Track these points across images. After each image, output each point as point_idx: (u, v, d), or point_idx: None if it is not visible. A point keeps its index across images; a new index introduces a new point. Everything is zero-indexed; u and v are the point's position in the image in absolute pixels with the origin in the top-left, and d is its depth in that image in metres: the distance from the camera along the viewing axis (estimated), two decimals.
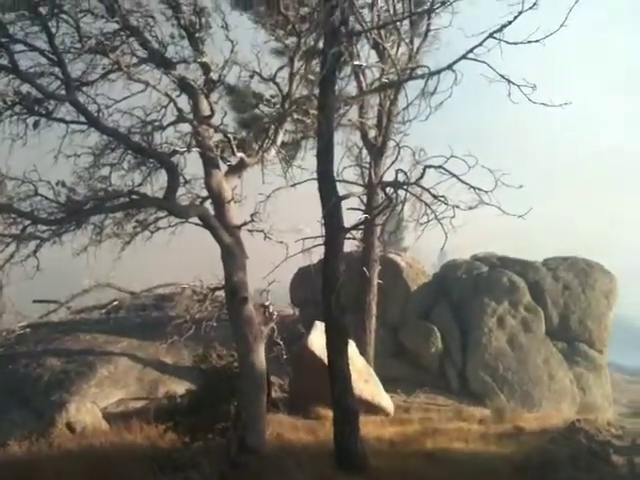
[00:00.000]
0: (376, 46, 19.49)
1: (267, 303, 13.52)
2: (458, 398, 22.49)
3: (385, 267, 24.15)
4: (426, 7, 19.40)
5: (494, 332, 24.45)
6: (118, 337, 19.99)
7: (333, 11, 10.67)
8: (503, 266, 27.02)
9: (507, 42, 11.06)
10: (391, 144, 21.08)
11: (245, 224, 12.91)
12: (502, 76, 11.18)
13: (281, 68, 13.52)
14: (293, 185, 13.80)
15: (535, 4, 10.70)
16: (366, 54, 20.00)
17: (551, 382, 23.77)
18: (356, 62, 12.85)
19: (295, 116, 14.11)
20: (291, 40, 13.81)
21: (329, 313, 10.48)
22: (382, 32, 19.06)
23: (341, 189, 18.46)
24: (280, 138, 13.72)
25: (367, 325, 22.23)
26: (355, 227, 11.30)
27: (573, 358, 25.07)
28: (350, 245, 22.41)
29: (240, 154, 12.86)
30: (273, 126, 13.59)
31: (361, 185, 22.02)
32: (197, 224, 12.48)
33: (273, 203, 14.51)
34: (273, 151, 13.63)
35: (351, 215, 13.72)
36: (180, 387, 15.98)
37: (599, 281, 26.60)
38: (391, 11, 18.02)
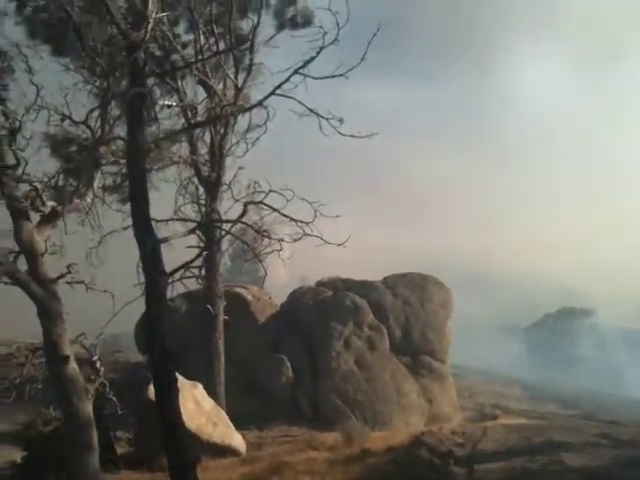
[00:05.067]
0: (202, 82, 19.48)
1: (95, 358, 12.70)
2: (312, 425, 22.60)
3: (231, 302, 23.82)
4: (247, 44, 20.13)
5: (342, 355, 24.97)
6: None
7: (136, 51, 10.39)
8: (346, 289, 27.81)
9: (312, 77, 11.50)
10: (226, 179, 21.00)
11: (62, 276, 12.10)
12: (311, 110, 11.55)
13: (92, 110, 13.03)
14: (114, 232, 13.22)
15: (336, 39, 11.23)
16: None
17: (399, 397, 24.63)
18: (164, 102, 12.57)
19: (112, 158, 13.56)
20: (101, 82, 13.40)
21: (154, 361, 10.01)
22: (207, 68, 19.13)
23: (180, 227, 18.23)
24: (96, 182, 13.11)
25: (215, 364, 21.68)
26: (176, 270, 10.95)
27: (418, 370, 26.24)
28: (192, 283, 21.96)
29: (51, 203, 12.09)
30: (87, 170, 12.97)
31: (195, 222, 21.65)
32: (7, 282, 11.51)
33: (105, 249, 13.97)
34: (89, 197, 12.97)
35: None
36: (16, 455, 14.59)
37: (435, 294, 28.23)
38: (212, 47, 18.16)
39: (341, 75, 11.38)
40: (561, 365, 55.37)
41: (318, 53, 11.16)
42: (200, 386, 18.08)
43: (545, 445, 14.17)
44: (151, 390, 16.62)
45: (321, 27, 10.80)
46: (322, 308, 26.63)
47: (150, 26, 10.35)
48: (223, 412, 18.72)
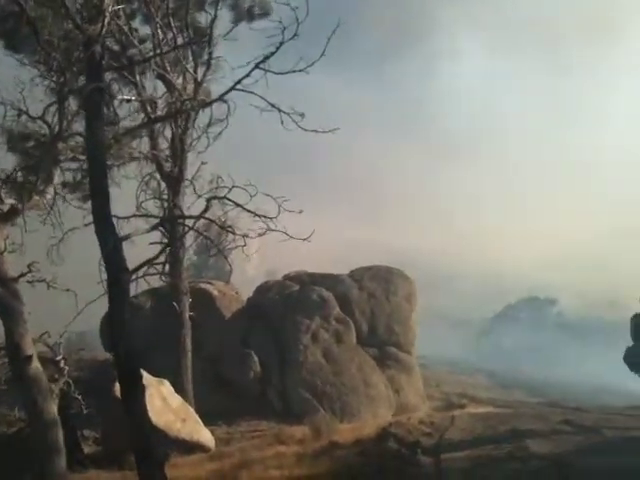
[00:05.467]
0: (161, 76, 19.21)
1: (58, 358, 12.52)
2: (281, 420, 22.57)
3: (196, 298, 23.59)
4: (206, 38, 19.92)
5: (309, 348, 25.02)
6: None
7: (92, 46, 10.21)
8: (313, 283, 27.85)
9: (273, 72, 11.45)
10: (189, 175, 20.77)
11: (23, 275, 11.88)
12: (272, 105, 11.49)
13: (49, 105, 12.78)
14: (76, 229, 13.00)
15: (295, 35, 11.19)
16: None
17: (367, 389, 24.79)
18: (122, 96, 12.38)
19: (71, 155, 13.32)
20: (57, 77, 13.15)
21: (119, 358, 9.90)
22: (166, 63, 18.88)
23: (142, 223, 17.99)
24: (55, 179, 12.88)
25: (182, 361, 21.50)
26: (139, 267, 10.82)
27: (385, 362, 26.47)
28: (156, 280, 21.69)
29: (10, 201, 11.85)
30: (46, 167, 12.72)
31: (158, 218, 21.35)
32: None
33: (67, 247, 13.72)
34: (50, 193, 12.74)
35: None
36: None
37: (400, 286, 28.46)
38: (170, 42, 17.92)
39: (301, 70, 11.35)
40: (525, 353, 56.43)
41: (278, 48, 11.10)
42: (167, 383, 17.97)
43: (510, 433, 14.41)
44: (117, 388, 16.55)
45: (280, 22, 10.75)
46: (289, 302, 26.63)
47: (106, 20, 10.18)
48: (191, 408, 18.63)
